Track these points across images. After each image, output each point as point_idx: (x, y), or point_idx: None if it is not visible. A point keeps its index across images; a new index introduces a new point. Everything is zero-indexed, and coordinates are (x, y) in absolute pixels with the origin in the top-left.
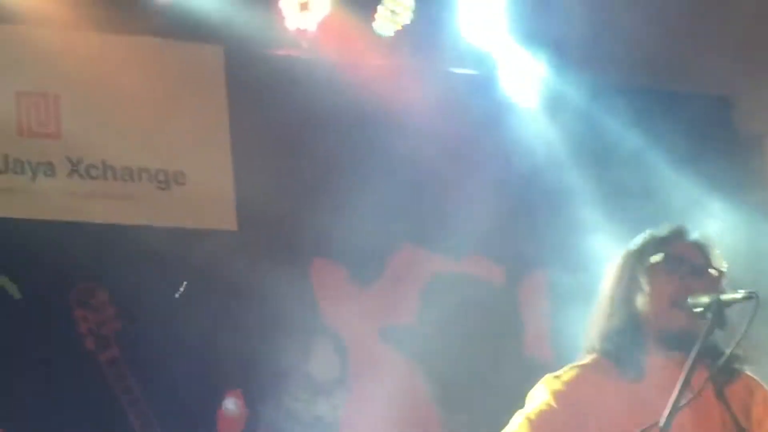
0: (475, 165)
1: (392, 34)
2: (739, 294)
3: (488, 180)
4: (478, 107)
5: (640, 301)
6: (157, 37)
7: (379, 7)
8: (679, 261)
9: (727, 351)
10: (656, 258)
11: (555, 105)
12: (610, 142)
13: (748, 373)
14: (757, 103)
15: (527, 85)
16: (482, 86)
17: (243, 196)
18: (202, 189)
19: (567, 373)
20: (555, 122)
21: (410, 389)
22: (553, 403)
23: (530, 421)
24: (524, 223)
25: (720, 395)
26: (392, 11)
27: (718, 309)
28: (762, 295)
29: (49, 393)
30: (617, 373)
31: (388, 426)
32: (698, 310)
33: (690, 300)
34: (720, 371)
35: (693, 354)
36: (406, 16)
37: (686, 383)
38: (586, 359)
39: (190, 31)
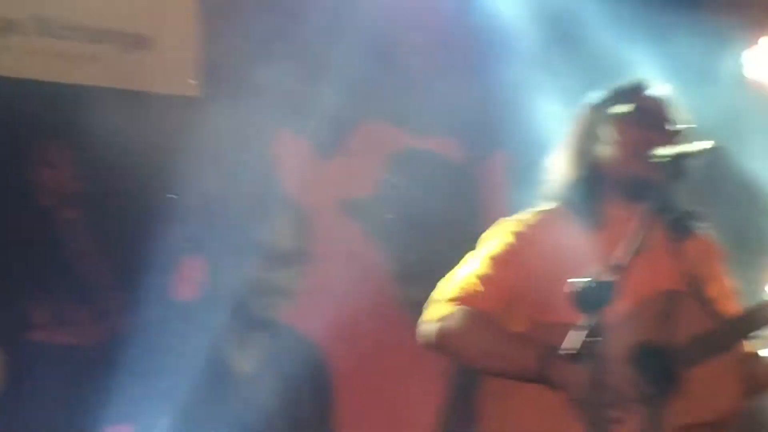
0: (440, 42)
1: None
2: (702, 145)
3: (455, 58)
4: None
5: (603, 152)
6: None
7: None
8: (643, 112)
9: (681, 202)
10: (622, 108)
11: None
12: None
13: (702, 232)
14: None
15: None
16: None
17: (208, 62)
18: (166, 54)
19: (530, 217)
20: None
21: (368, 261)
22: (515, 242)
23: (493, 258)
24: (489, 105)
25: (672, 250)
26: None
27: (680, 158)
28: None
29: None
30: (577, 222)
31: (346, 296)
32: (661, 160)
33: (653, 149)
34: (674, 226)
35: (650, 202)
36: None
37: (641, 234)
38: (544, 205)
39: None
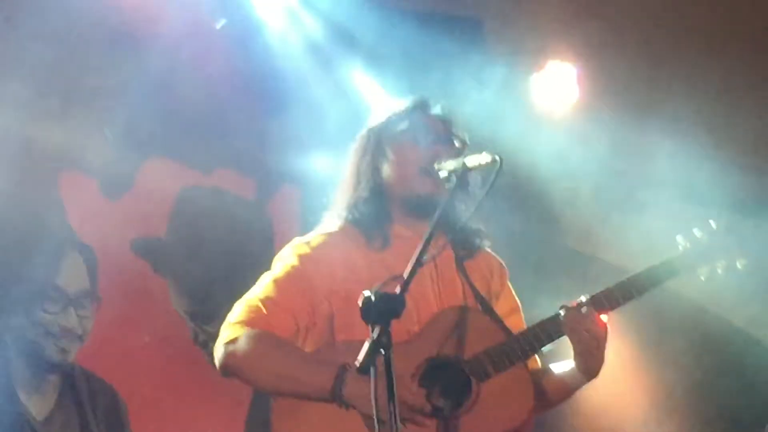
0: (222, 78)
1: None
2: (484, 157)
3: (238, 94)
4: (229, 24)
5: (386, 171)
6: None
7: None
8: (424, 129)
9: (465, 217)
10: (402, 127)
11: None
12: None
13: (488, 250)
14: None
15: None
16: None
17: None
18: None
19: (315, 238)
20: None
21: (161, 301)
22: (298, 265)
23: (276, 281)
24: (276, 138)
25: (460, 267)
26: None
27: (463, 173)
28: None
29: None
30: (364, 242)
31: (138, 337)
32: (444, 174)
33: (436, 165)
34: (461, 244)
35: (435, 217)
36: None
37: (426, 246)
38: (333, 227)
39: None
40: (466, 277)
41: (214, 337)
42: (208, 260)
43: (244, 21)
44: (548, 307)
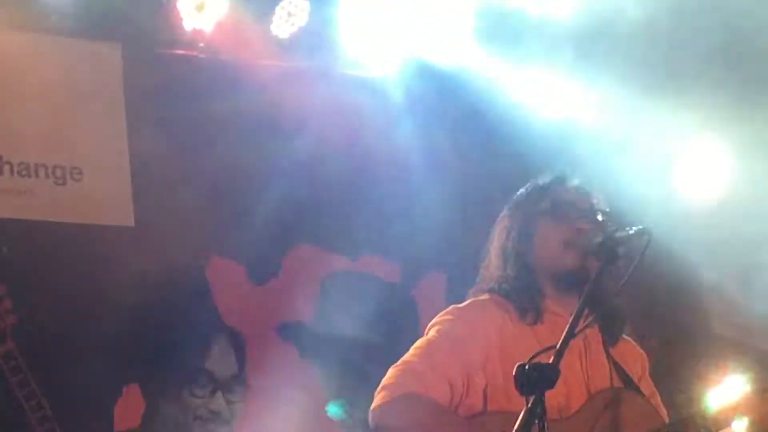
0: (371, 166)
1: (288, 35)
2: (632, 230)
3: (383, 180)
4: (372, 109)
5: (533, 249)
6: (55, 34)
7: (276, 9)
8: (567, 204)
9: (613, 292)
10: (544, 204)
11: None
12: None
13: (631, 340)
14: None
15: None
16: (376, 88)
17: (141, 193)
18: (98, 185)
19: (469, 305)
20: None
21: (306, 386)
22: (454, 331)
23: (431, 345)
24: (420, 224)
25: (606, 347)
26: (288, 13)
27: (611, 246)
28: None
29: None
30: (516, 315)
31: (285, 423)
32: (592, 245)
33: (582, 238)
34: (607, 325)
35: (586, 289)
36: (302, 18)
37: (577, 319)
38: (484, 296)
39: (89, 28)
40: (613, 358)
41: (362, 422)
42: (356, 344)
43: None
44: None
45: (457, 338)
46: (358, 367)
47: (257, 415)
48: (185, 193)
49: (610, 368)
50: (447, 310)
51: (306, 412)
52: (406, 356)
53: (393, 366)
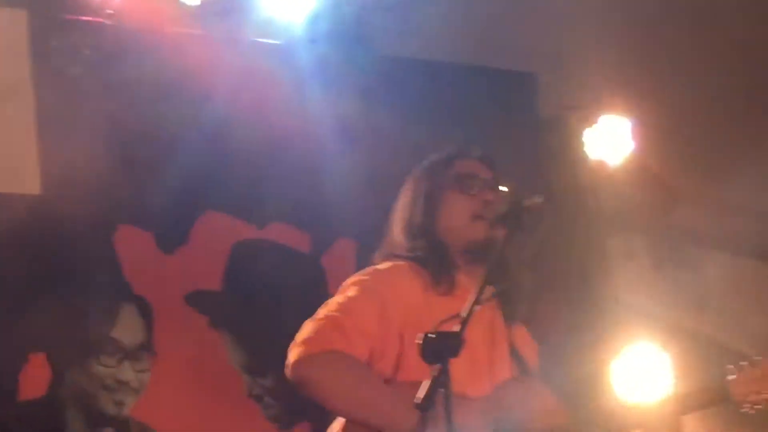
0: (280, 134)
1: (198, 2)
2: (538, 198)
3: (292, 148)
4: (281, 76)
5: (440, 224)
6: None
7: None
8: (471, 176)
9: (518, 261)
10: (449, 176)
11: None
12: (398, 117)
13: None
14: (559, 80)
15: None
16: (285, 54)
17: (47, 160)
18: (3, 152)
19: (388, 266)
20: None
21: (216, 354)
22: (375, 287)
23: (352, 300)
24: (330, 191)
25: (507, 327)
26: None
27: (518, 213)
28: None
29: None
30: (430, 283)
31: (193, 391)
32: (497, 217)
33: (489, 209)
34: (506, 303)
35: (490, 260)
36: None
37: (483, 288)
38: (401, 261)
39: None
40: (512, 339)
41: (269, 390)
42: (263, 313)
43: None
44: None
45: (377, 297)
46: (267, 336)
47: (165, 384)
48: (92, 161)
49: (510, 351)
50: (365, 270)
51: (214, 381)
52: (326, 310)
53: (310, 320)
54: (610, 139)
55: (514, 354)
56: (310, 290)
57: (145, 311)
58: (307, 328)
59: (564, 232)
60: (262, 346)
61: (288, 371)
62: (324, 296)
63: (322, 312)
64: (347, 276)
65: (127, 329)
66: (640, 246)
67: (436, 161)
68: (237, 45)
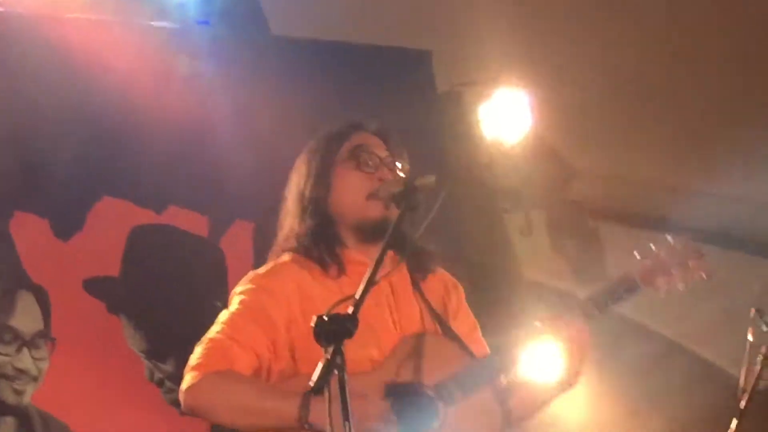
0: (176, 117)
1: None
2: (431, 178)
3: (188, 131)
4: (177, 59)
5: (333, 199)
6: None
7: None
8: (366, 154)
9: (415, 236)
10: (342, 151)
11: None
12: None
13: (441, 270)
14: (454, 56)
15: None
16: (180, 38)
17: None
18: None
19: (268, 270)
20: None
21: (115, 340)
22: (254, 298)
23: (233, 318)
24: (226, 173)
25: (416, 288)
26: None
27: (411, 194)
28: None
29: None
30: (318, 271)
31: (93, 377)
32: (393, 195)
33: (383, 188)
34: (414, 265)
35: (386, 237)
36: None
37: (377, 266)
38: (285, 257)
39: None
40: (423, 298)
41: (169, 374)
42: (162, 298)
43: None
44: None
45: (258, 306)
46: (165, 321)
47: (65, 371)
48: None
49: (421, 311)
50: (247, 277)
51: (114, 367)
52: (211, 332)
53: (198, 343)
54: (506, 114)
55: (429, 309)
56: (209, 273)
57: (43, 299)
58: (195, 353)
59: (462, 208)
60: (162, 331)
61: (181, 399)
62: (223, 279)
63: (209, 333)
64: (246, 258)
65: (25, 317)
66: (538, 222)
67: (331, 134)
68: (132, 29)
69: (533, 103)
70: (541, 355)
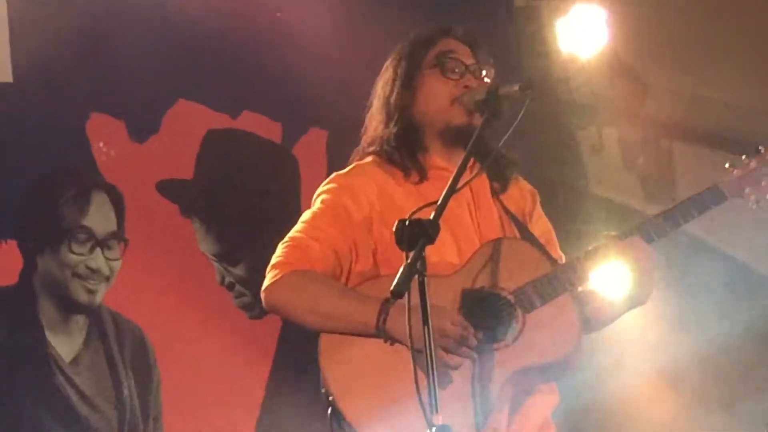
0: (252, 23)
1: None
2: (516, 86)
3: (264, 38)
4: None
5: (417, 104)
6: None
7: None
8: (452, 60)
9: (498, 146)
10: (429, 57)
11: None
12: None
13: (521, 177)
14: None
15: None
16: None
17: (18, 48)
18: None
19: (351, 170)
20: None
21: (187, 243)
22: (337, 198)
23: (315, 217)
24: (301, 81)
25: (495, 194)
26: None
27: (495, 101)
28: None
29: None
30: (401, 175)
31: (164, 279)
32: (477, 103)
33: (468, 95)
34: (495, 173)
35: (469, 145)
36: None
37: (460, 173)
38: (367, 159)
39: None
40: (502, 204)
41: (239, 278)
42: (234, 203)
43: None
44: (573, 252)
45: (339, 204)
46: (237, 226)
47: (136, 272)
48: (64, 49)
49: (500, 216)
50: (330, 177)
51: (185, 269)
52: (293, 231)
53: (281, 242)
54: (583, 29)
55: (509, 215)
56: (282, 180)
57: (117, 200)
58: (276, 252)
59: (535, 122)
60: (233, 235)
61: (262, 297)
62: (296, 186)
63: (291, 233)
64: (319, 166)
65: (99, 217)
66: (610, 139)
67: (419, 39)
68: None
69: (610, 18)
70: (611, 272)
